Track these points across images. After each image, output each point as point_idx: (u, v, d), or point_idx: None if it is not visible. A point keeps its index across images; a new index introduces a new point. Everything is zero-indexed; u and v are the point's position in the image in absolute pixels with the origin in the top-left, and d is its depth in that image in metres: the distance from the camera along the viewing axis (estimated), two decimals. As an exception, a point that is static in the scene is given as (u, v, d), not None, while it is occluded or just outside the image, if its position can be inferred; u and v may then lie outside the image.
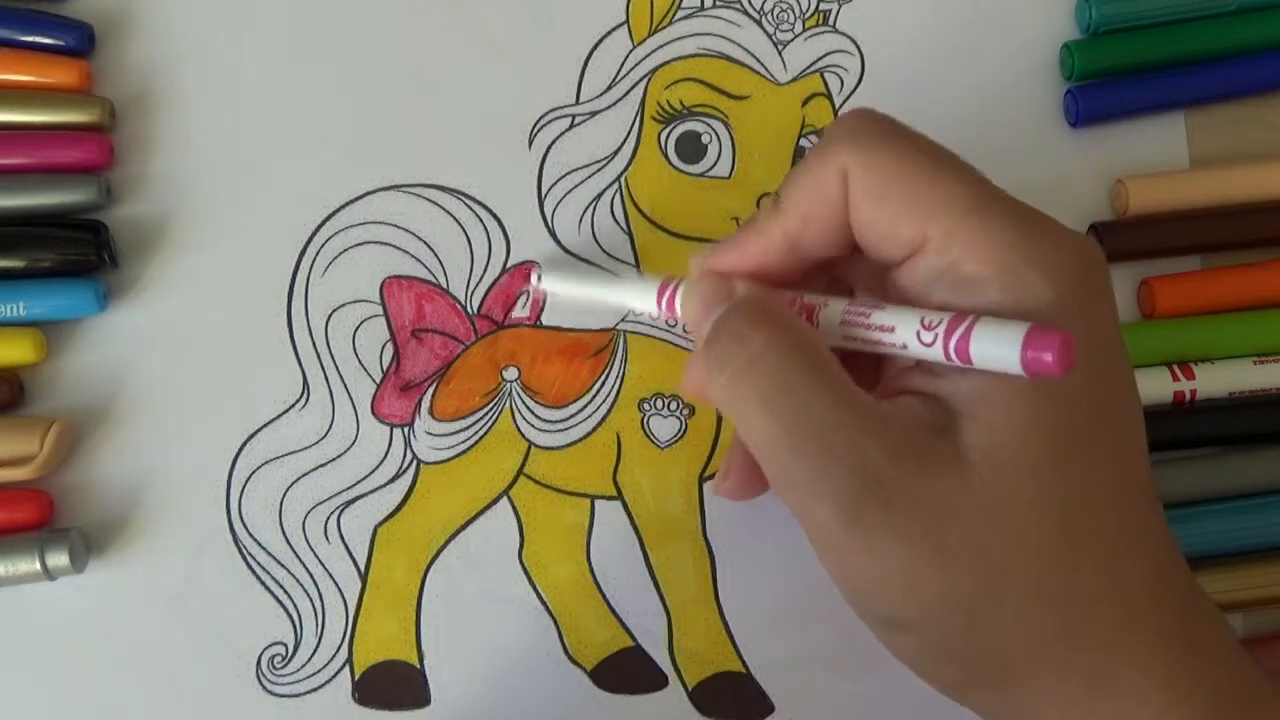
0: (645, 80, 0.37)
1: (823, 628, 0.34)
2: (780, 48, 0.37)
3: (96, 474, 0.35)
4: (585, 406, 0.35)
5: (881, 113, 0.26)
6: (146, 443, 0.35)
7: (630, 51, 0.37)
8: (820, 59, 0.37)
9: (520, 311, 0.36)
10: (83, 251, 0.34)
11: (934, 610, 0.23)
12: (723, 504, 0.35)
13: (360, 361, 0.35)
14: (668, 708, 0.34)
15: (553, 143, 0.36)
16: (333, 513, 0.35)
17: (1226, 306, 0.36)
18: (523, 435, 0.35)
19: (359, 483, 0.35)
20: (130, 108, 0.36)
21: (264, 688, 0.34)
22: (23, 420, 0.34)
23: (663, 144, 0.36)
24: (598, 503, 0.35)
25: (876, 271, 0.27)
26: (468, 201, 0.36)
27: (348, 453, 0.35)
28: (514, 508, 0.35)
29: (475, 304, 0.36)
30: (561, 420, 0.35)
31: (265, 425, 0.35)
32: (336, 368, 0.35)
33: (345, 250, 0.36)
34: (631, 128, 0.36)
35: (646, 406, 0.35)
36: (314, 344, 0.35)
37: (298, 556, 0.34)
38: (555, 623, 0.34)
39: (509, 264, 0.36)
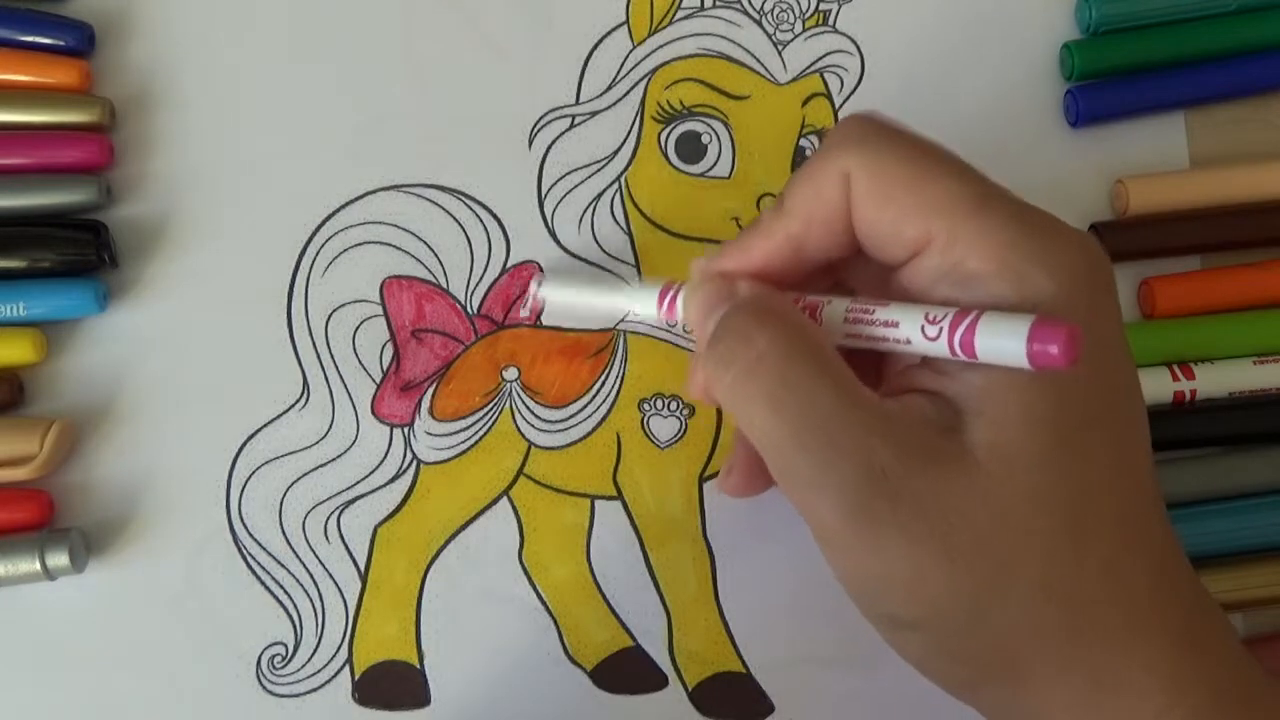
0: (645, 80, 0.37)
1: (823, 628, 0.34)
2: (780, 48, 0.37)
3: (96, 474, 0.35)
4: (585, 406, 0.35)
5: (882, 115, 0.26)
6: (146, 443, 0.35)
7: (630, 51, 0.37)
8: (820, 59, 0.37)
9: (521, 313, 0.36)
10: (83, 251, 0.34)
11: (940, 608, 0.23)
12: (723, 504, 0.35)
13: (360, 361, 0.35)
14: (668, 708, 0.34)
15: (553, 143, 0.36)
16: (333, 513, 0.35)
17: (1226, 306, 0.36)
18: (523, 435, 0.35)
19: (359, 483, 0.35)
20: (130, 108, 0.36)
21: (264, 688, 0.34)
22: (23, 420, 0.34)
23: (663, 144, 0.36)
24: (598, 503, 0.35)
25: (879, 273, 0.27)
26: (468, 201, 0.36)
27: (348, 453, 0.35)
28: (514, 508, 0.35)
29: (475, 304, 0.36)
30: (561, 420, 0.35)
31: (265, 425, 0.35)
32: (336, 368, 0.35)
33: (345, 250, 0.36)
34: (631, 128, 0.36)
35: (646, 406, 0.35)
36: (314, 344, 0.35)
37: (298, 556, 0.34)
38: (555, 623, 0.34)
39: (509, 264, 0.36)
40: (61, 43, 0.35)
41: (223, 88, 0.37)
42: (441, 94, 0.37)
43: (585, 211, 0.36)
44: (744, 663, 0.34)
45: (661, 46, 0.37)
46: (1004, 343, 0.22)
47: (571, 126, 0.37)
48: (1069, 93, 0.37)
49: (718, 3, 0.37)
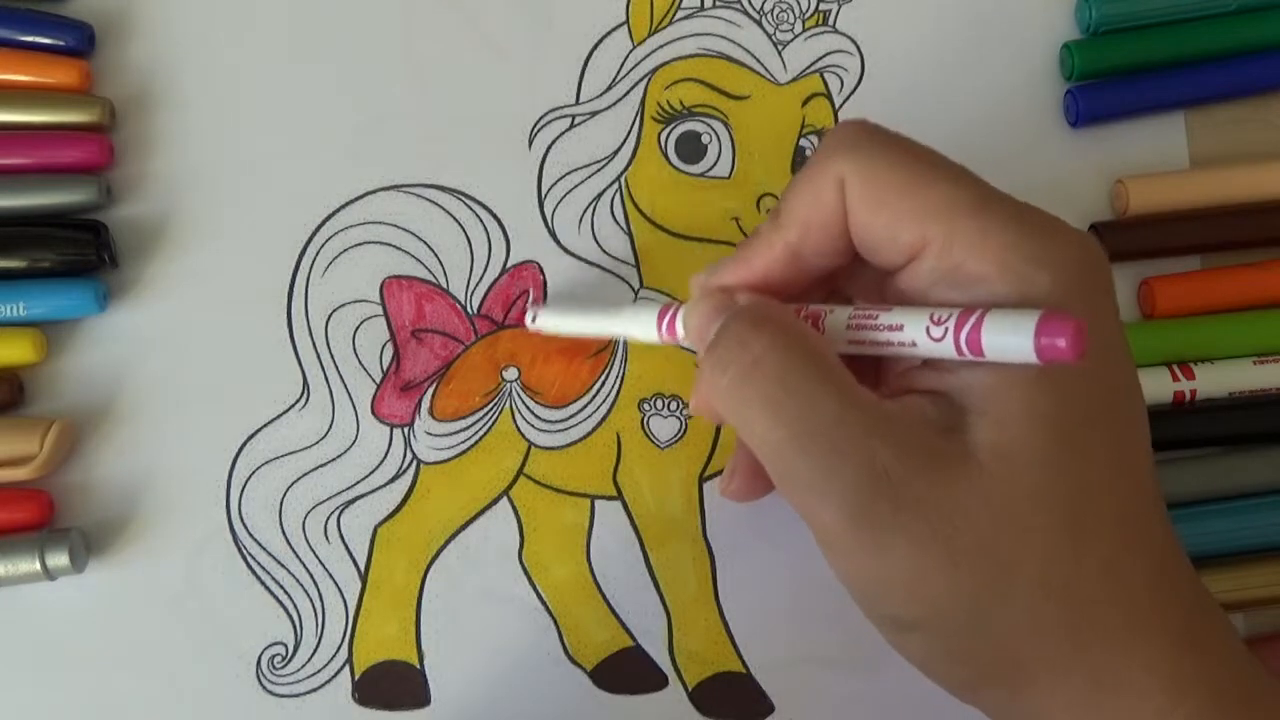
0: (645, 80, 0.37)
1: (823, 628, 0.34)
2: (780, 48, 0.37)
3: (96, 474, 0.35)
4: (585, 406, 0.35)
5: (874, 122, 0.26)
6: (146, 443, 0.35)
7: (630, 51, 0.37)
8: (820, 59, 0.37)
9: (520, 312, 0.36)
10: (83, 251, 0.34)
11: (942, 609, 0.23)
12: (723, 504, 0.35)
13: (360, 361, 0.35)
14: (668, 708, 0.34)
15: (553, 143, 0.36)
16: (333, 513, 0.35)
17: (1226, 306, 0.36)
18: (523, 435, 0.35)
19: (359, 483, 0.35)
20: (130, 108, 0.36)
21: (264, 688, 0.34)
22: (23, 420, 0.34)
23: (663, 144, 0.36)
24: (598, 503, 0.35)
25: (877, 280, 0.27)
26: (468, 201, 0.36)
27: (348, 453, 0.35)
28: (514, 508, 0.35)
29: (475, 304, 0.36)
30: (561, 420, 0.35)
31: (265, 425, 0.35)
32: (336, 368, 0.35)
33: (345, 250, 0.36)
34: (631, 128, 0.36)
35: (646, 406, 0.35)
36: (314, 344, 0.35)
37: (298, 556, 0.34)
38: (555, 623, 0.34)
39: (509, 264, 0.36)
40: (61, 43, 0.35)
41: (223, 88, 0.37)
42: (441, 94, 0.37)
43: (585, 211, 0.36)
44: (744, 663, 0.34)
45: (661, 46, 0.37)
46: (1011, 339, 0.22)
47: (571, 126, 0.37)
48: (1069, 93, 0.37)
49: (718, 3, 0.37)
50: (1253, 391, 0.35)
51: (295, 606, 0.34)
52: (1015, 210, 0.24)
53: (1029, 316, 0.21)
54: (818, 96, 0.37)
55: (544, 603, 0.34)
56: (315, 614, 0.34)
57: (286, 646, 0.34)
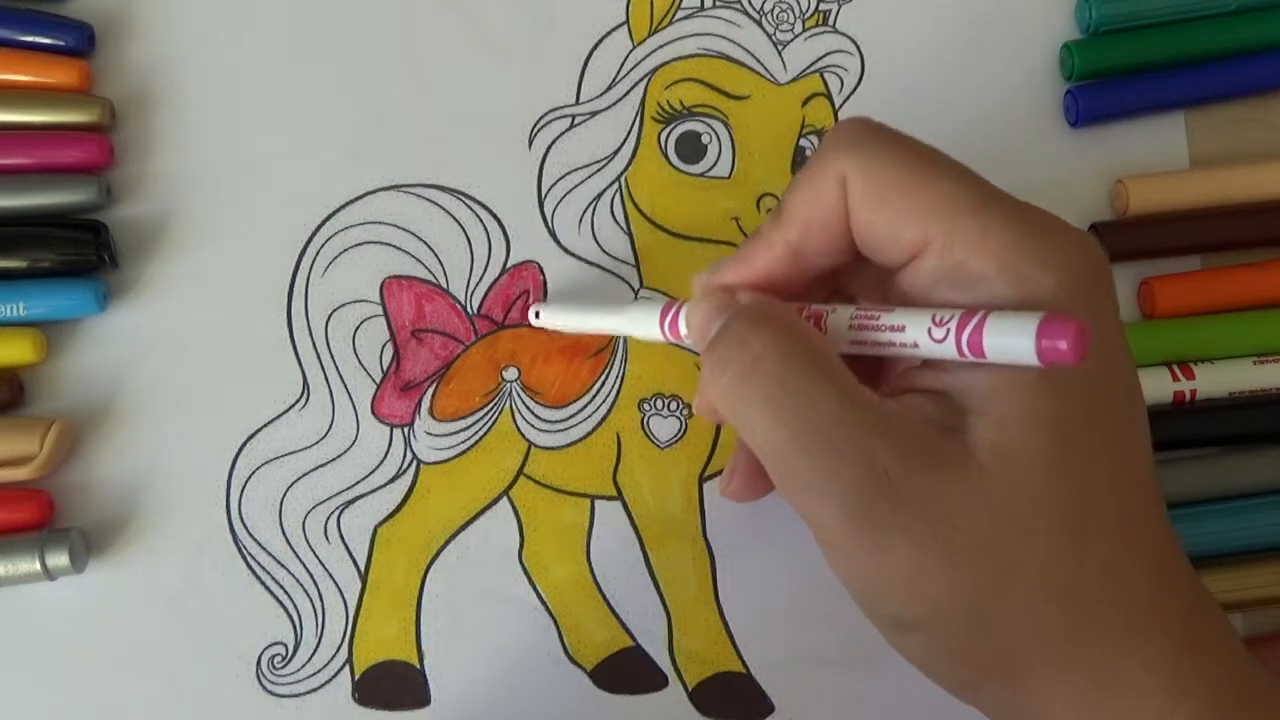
0: (645, 80, 0.37)
1: (823, 628, 0.34)
2: (780, 48, 0.37)
3: (96, 474, 0.35)
4: (585, 406, 0.35)
5: (876, 120, 0.26)
6: (146, 443, 0.35)
7: (630, 51, 0.37)
8: (820, 59, 0.37)
9: (520, 312, 0.36)
10: (83, 251, 0.34)
11: (942, 609, 0.23)
12: (723, 504, 0.35)
13: (360, 361, 0.35)
14: (668, 708, 0.34)
15: (553, 143, 0.36)
16: (333, 513, 0.35)
17: (1226, 306, 0.36)
18: (523, 435, 0.35)
19: (359, 483, 0.35)
20: (130, 108, 0.36)
21: (264, 688, 0.34)
22: (23, 420, 0.34)
23: (663, 144, 0.36)
24: (598, 503, 0.35)
25: (878, 279, 0.27)
26: (468, 201, 0.36)
27: (348, 453, 0.35)
28: (514, 508, 0.35)
29: (475, 304, 0.36)
30: (561, 420, 0.35)
31: (265, 425, 0.35)
32: (336, 368, 0.35)
33: (345, 250, 0.36)
34: (631, 128, 0.36)
35: (646, 406, 0.35)
36: (314, 344, 0.35)
37: (298, 556, 0.34)
38: (555, 623, 0.34)
39: (509, 264, 0.36)
40: (61, 43, 0.35)
41: (223, 88, 0.37)
42: (441, 94, 0.37)
43: (585, 211, 0.36)
44: (744, 663, 0.34)
45: (661, 46, 0.37)
46: (1013, 340, 0.22)
47: (571, 126, 0.37)
48: (1069, 93, 0.37)
49: (718, 3, 0.37)
50: (1253, 391, 0.35)
51: (295, 606, 0.34)
52: (1016, 209, 0.24)
53: (1030, 319, 0.21)
54: (818, 96, 0.37)
55: (544, 603, 0.34)
56: (315, 614, 0.34)
57: (286, 646, 0.34)
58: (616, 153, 0.36)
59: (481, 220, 0.36)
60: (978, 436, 0.23)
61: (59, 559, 0.32)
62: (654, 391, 0.35)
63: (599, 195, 0.36)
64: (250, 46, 0.37)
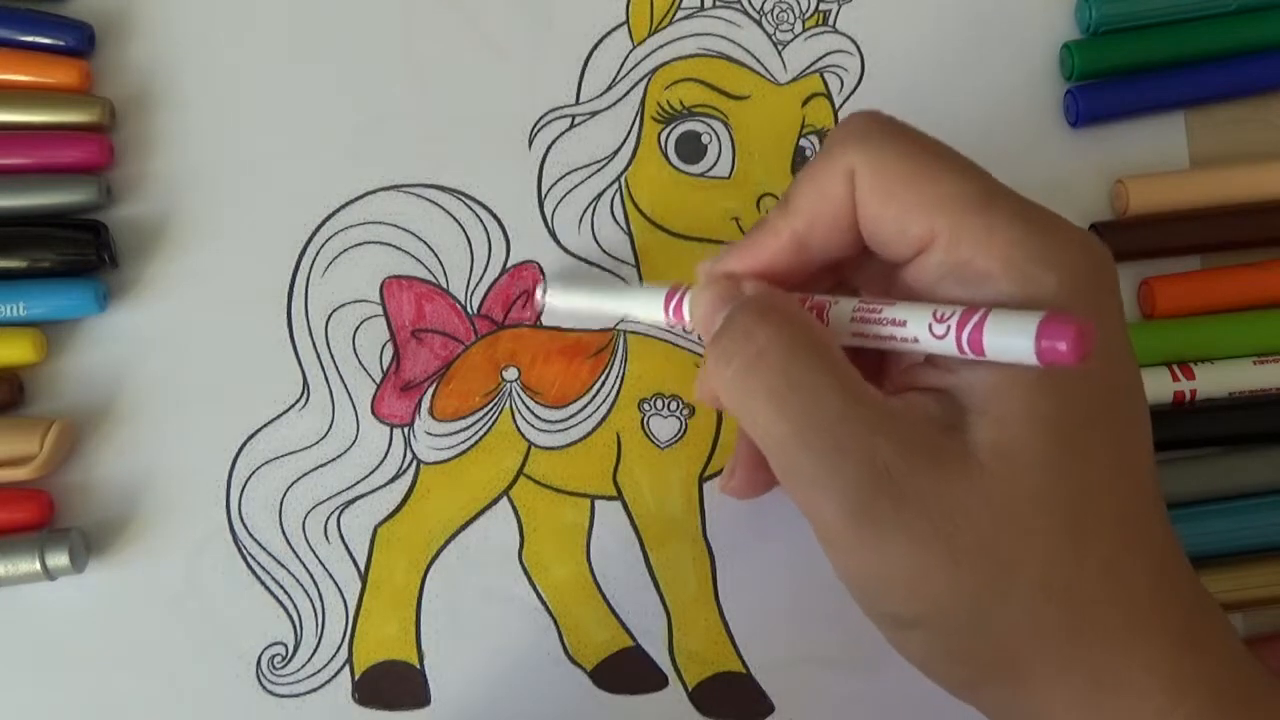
0: (645, 80, 0.37)
1: (823, 628, 0.34)
2: (780, 48, 0.37)
3: (96, 474, 0.35)
4: (585, 406, 0.35)
5: (886, 113, 0.26)
6: (146, 443, 0.35)
7: (630, 51, 0.37)
8: (820, 59, 0.37)
9: (520, 312, 0.36)
10: (83, 251, 0.34)
11: (941, 607, 0.23)
12: (723, 504, 0.35)
13: (360, 361, 0.35)
14: (668, 708, 0.34)
15: (553, 143, 0.36)
16: (333, 513, 0.35)
17: (1226, 306, 0.36)
18: (523, 435, 0.35)
19: (359, 483, 0.35)
20: (130, 108, 0.36)
21: (264, 688, 0.34)
22: (23, 420, 0.34)
23: (663, 144, 0.36)
24: (598, 503, 0.35)
25: (883, 272, 0.27)
26: (468, 201, 0.36)
27: (348, 453, 0.35)
28: (514, 508, 0.35)
29: (475, 304, 0.36)
30: (561, 420, 0.35)
31: (265, 425, 0.35)
32: (336, 368, 0.35)
33: (345, 250, 0.36)
34: (631, 128, 0.36)
35: (646, 406, 0.35)
36: (314, 344, 0.35)
37: (298, 556, 0.34)
38: (555, 623, 0.34)
39: (509, 264, 0.36)
40: (61, 43, 0.35)
41: (223, 88, 0.37)
42: (441, 94, 0.37)
43: (585, 211, 0.36)
44: (744, 663, 0.34)
45: (661, 46, 0.37)
46: (1012, 340, 0.22)
47: (571, 126, 0.37)
48: (1069, 93, 0.37)
49: (718, 3, 0.37)
50: (1253, 391, 0.35)
51: (295, 606, 0.34)
52: (1022, 207, 0.24)
53: (1031, 319, 0.21)
54: (818, 96, 0.37)
55: (544, 603, 0.34)
56: (315, 614, 0.34)
57: (286, 646, 0.34)
58: (616, 153, 0.36)
59: (481, 220, 0.36)
60: (978, 435, 0.23)
61: (59, 559, 0.32)
62: (654, 391, 0.35)
63: (599, 195, 0.36)
64: (250, 46, 0.37)
